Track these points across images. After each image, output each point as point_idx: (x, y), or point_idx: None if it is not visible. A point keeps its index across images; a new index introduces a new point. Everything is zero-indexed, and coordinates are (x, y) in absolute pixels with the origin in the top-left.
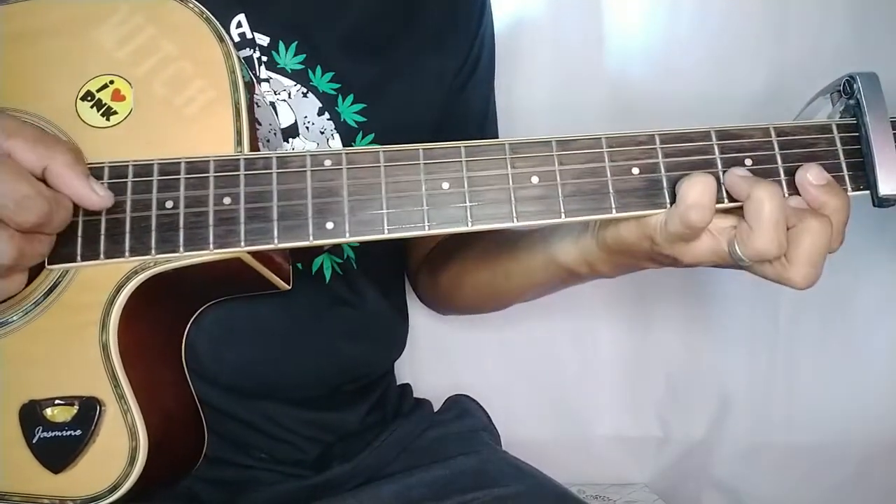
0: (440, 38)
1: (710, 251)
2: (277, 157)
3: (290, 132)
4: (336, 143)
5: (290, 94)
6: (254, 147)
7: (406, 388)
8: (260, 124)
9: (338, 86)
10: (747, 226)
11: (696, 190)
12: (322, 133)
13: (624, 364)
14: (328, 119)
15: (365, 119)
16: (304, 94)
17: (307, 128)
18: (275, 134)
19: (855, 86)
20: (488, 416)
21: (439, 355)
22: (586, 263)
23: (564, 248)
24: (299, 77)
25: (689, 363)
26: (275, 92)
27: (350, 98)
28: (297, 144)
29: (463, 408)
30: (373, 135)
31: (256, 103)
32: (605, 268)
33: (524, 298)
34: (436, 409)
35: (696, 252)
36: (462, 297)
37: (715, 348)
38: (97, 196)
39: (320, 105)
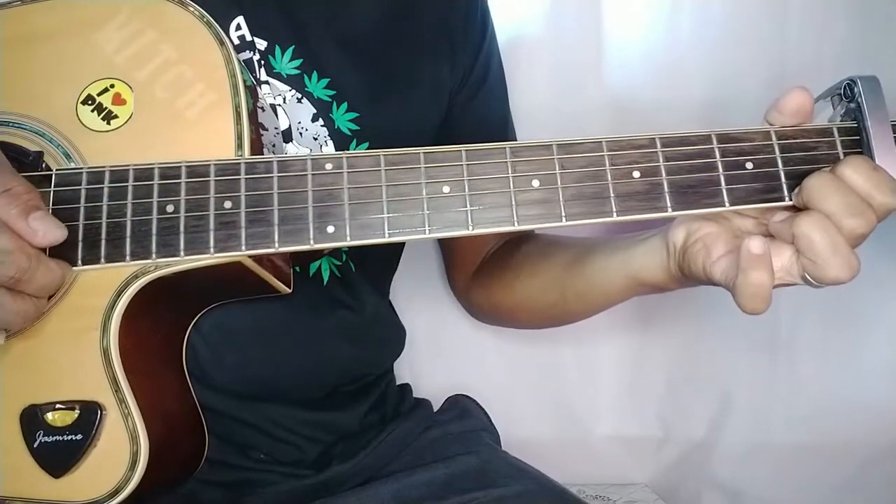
0: (439, 49)
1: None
2: (278, 160)
3: (285, 137)
4: (329, 149)
5: (284, 99)
6: (258, 152)
7: (406, 388)
8: (265, 129)
9: (333, 92)
10: (809, 261)
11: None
12: (315, 139)
13: (624, 364)
14: (322, 125)
15: (358, 127)
16: (299, 100)
17: (300, 133)
18: (281, 138)
19: (856, 89)
20: (488, 417)
21: (439, 355)
22: (676, 282)
23: (650, 271)
24: (294, 82)
25: (690, 363)
26: (273, 96)
27: (344, 106)
28: (291, 150)
29: (463, 408)
30: (367, 143)
31: (261, 107)
32: (692, 283)
33: (594, 314)
34: (435, 410)
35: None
36: (528, 317)
37: (715, 348)
38: (39, 235)
39: (314, 111)
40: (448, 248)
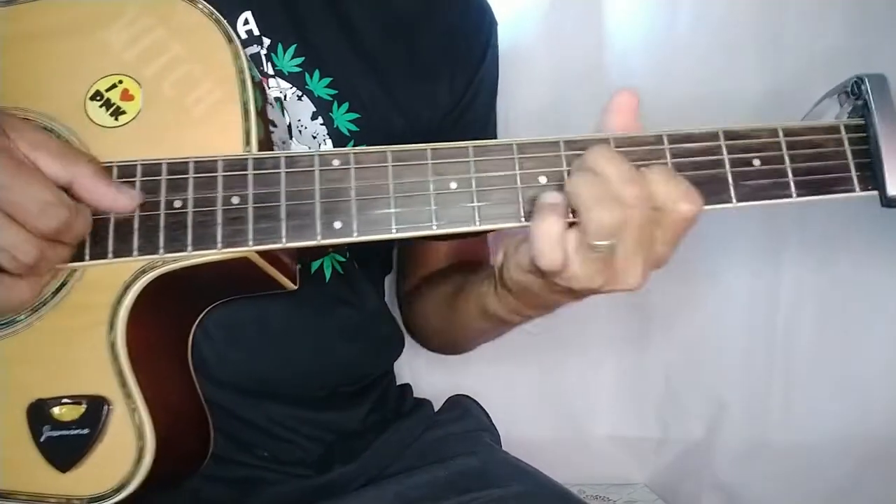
0: (437, 70)
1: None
2: (286, 156)
3: None
4: (327, 149)
5: (286, 96)
6: (268, 149)
7: (406, 388)
8: (276, 126)
9: (334, 92)
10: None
11: (541, 236)
12: (314, 138)
13: (623, 364)
14: (321, 124)
15: (358, 129)
16: (299, 98)
17: (300, 131)
18: (288, 135)
19: (863, 87)
20: (488, 417)
21: (439, 355)
22: (511, 311)
23: (490, 299)
24: (295, 79)
25: (689, 363)
26: (277, 92)
27: (345, 106)
28: (292, 148)
29: (463, 408)
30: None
31: (270, 104)
32: (530, 310)
33: (478, 343)
34: (436, 410)
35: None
36: (430, 341)
37: (714, 349)
38: (126, 199)
39: (314, 109)
40: (405, 256)
